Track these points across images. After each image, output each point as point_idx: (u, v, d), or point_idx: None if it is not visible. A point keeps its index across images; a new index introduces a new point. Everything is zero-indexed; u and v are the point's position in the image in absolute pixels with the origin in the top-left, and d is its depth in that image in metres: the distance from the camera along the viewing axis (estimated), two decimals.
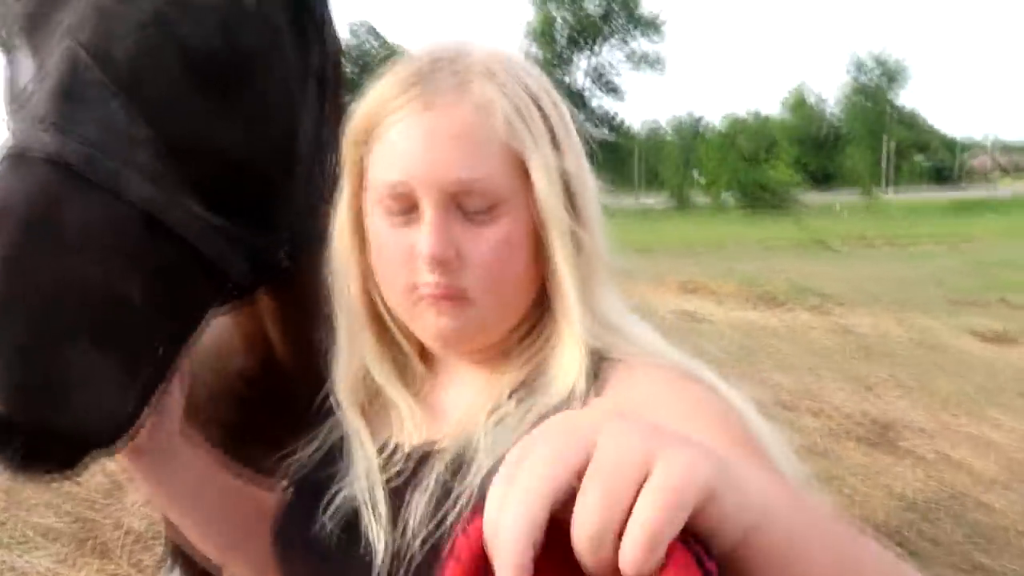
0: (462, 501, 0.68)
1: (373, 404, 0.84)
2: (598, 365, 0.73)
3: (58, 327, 0.65)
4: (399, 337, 0.83)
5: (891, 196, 48.64)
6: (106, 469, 3.86)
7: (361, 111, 0.76)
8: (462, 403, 0.79)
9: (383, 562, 0.72)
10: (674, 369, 0.72)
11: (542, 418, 0.68)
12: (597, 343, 0.74)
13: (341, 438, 0.84)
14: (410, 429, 0.80)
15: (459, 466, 0.71)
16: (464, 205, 0.72)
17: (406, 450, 0.78)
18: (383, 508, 0.74)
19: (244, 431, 1.51)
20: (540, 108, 0.75)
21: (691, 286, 10.35)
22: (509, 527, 0.37)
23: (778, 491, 0.48)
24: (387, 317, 0.81)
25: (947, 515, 3.48)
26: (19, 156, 0.67)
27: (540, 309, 0.79)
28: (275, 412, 1.48)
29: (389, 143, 0.73)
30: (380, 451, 0.79)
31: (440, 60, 0.75)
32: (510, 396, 0.74)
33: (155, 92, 0.75)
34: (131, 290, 0.71)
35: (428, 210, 0.72)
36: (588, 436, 0.39)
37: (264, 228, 0.89)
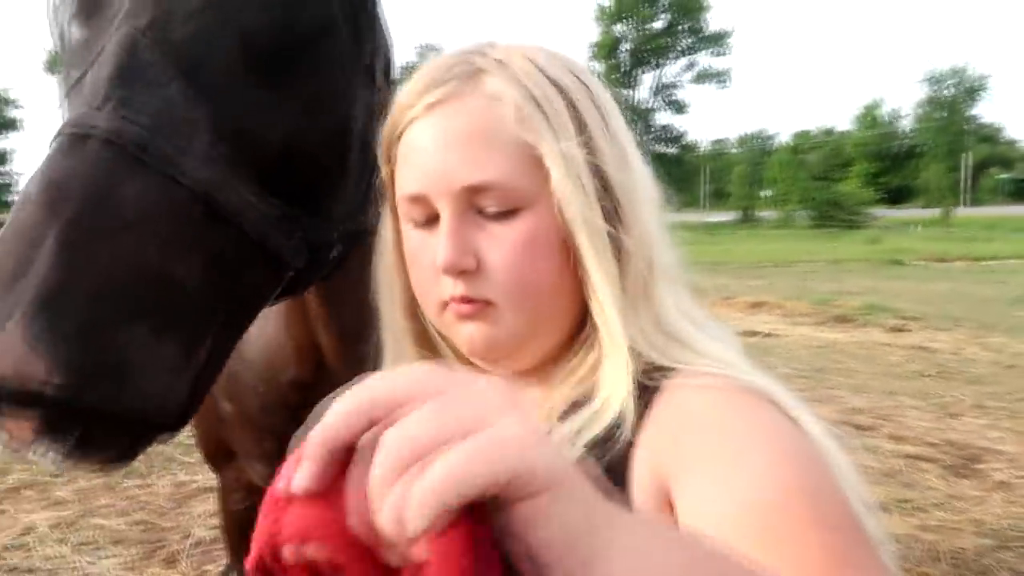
0: None
1: None
2: (652, 377, 0.66)
3: (116, 309, 0.64)
4: (447, 356, 0.79)
5: (969, 212, 46.63)
6: (176, 479, 3.96)
7: (385, 124, 0.73)
8: None
9: None
10: (735, 382, 0.64)
11: (591, 448, 0.63)
12: (652, 353, 0.67)
13: None
14: None
15: None
16: (482, 207, 0.67)
17: None
18: None
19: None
20: (565, 96, 0.69)
21: (761, 304, 10.08)
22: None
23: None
24: (434, 335, 0.78)
25: None
26: (76, 136, 0.67)
27: (590, 320, 0.72)
28: None
29: (404, 153, 0.70)
30: None
31: (455, 58, 0.71)
32: (560, 419, 0.67)
33: (212, 76, 0.74)
34: (188, 274, 0.70)
35: (444, 217, 0.68)
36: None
37: (318, 217, 0.88)
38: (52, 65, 50.05)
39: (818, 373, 6.42)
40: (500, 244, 0.67)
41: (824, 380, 6.17)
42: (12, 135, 57.71)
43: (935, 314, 9.56)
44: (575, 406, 0.68)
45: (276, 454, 1.52)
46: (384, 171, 0.74)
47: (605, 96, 0.72)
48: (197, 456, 3.45)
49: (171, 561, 3.11)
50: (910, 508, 3.62)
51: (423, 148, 0.68)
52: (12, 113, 53.96)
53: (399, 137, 0.70)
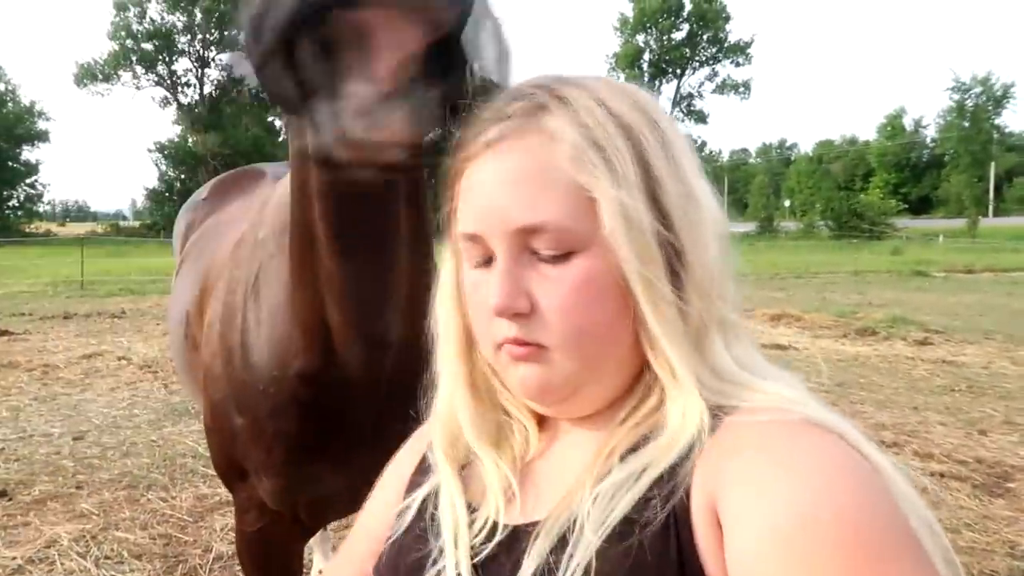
0: (568, 573, 0.60)
1: (467, 468, 0.78)
2: (714, 416, 0.64)
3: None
4: (504, 398, 0.77)
5: (995, 222, 45.94)
6: (198, 492, 3.97)
7: (451, 158, 0.72)
8: (569, 473, 0.69)
9: None
10: (798, 414, 0.61)
11: (655, 484, 0.62)
12: (714, 398, 0.65)
13: (435, 506, 0.77)
14: (498, 500, 0.72)
15: (563, 543, 0.62)
16: (537, 248, 0.65)
17: (499, 524, 0.70)
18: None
19: (308, 445, 1.50)
20: (630, 135, 0.65)
21: (781, 317, 9.98)
22: None
23: None
24: (489, 377, 0.76)
25: None
26: None
27: (649, 367, 0.70)
28: (338, 418, 1.47)
29: (464, 190, 0.69)
30: (472, 521, 0.71)
31: (519, 93, 0.69)
32: (622, 459, 0.65)
33: None
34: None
35: (498, 258, 0.67)
36: None
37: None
38: (81, 79, 51.01)
39: (841, 388, 6.33)
40: (554, 288, 0.65)
41: (847, 395, 6.09)
42: (42, 146, 58.66)
43: (961, 327, 9.40)
44: (636, 447, 0.66)
45: (283, 465, 1.52)
46: (447, 206, 0.73)
47: (673, 132, 0.69)
48: None
49: (192, 575, 3.11)
50: (944, 530, 3.54)
51: (480, 187, 0.67)
52: (41, 125, 54.87)
53: (460, 173, 0.70)
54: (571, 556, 0.60)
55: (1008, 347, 8.10)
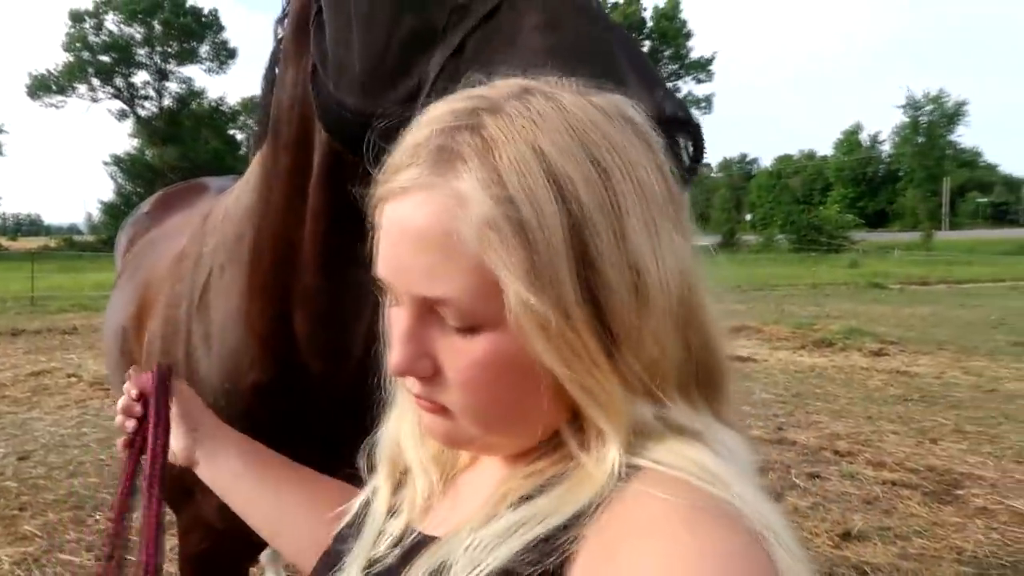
0: None
1: (406, 478, 0.76)
2: (620, 476, 0.57)
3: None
4: None
5: (949, 236, 47.25)
6: None
7: (373, 189, 0.64)
8: (480, 495, 0.65)
9: None
10: (702, 494, 0.53)
11: (526, 548, 0.55)
12: (628, 453, 0.57)
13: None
14: (417, 505, 0.70)
15: (440, 570, 0.59)
16: (441, 314, 0.59)
17: (411, 529, 0.69)
18: None
19: None
20: (567, 203, 0.53)
21: (740, 329, 10.11)
22: None
23: None
24: None
25: (1017, 574, 3.23)
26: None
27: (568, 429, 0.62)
28: (292, 431, 1.45)
29: (379, 229, 0.62)
30: (402, 534, 0.70)
31: (442, 124, 0.58)
32: (513, 507, 0.60)
33: None
34: None
35: (404, 313, 0.61)
36: None
37: None
38: (34, 90, 49.89)
39: (797, 398, 6.42)
40: (458, 358, 0.59)
41: (804, 405, 6.18)
42: None
43: (916, 338, 9.63)
44: (530, 498, 0.60)
45: None
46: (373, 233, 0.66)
47: (629, 182, 0.55)
48: None
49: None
50: (891, 536, 3.60)
51: (387, 237, 0.60)
52: None
53: (377, 208, 0.62)
54: None
55: (960, 357, 8.32)
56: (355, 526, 0.75)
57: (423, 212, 0.56)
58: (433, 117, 0.59)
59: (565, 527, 0.55)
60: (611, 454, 0.57)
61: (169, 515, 3.86)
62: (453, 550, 0.59)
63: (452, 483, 0.73)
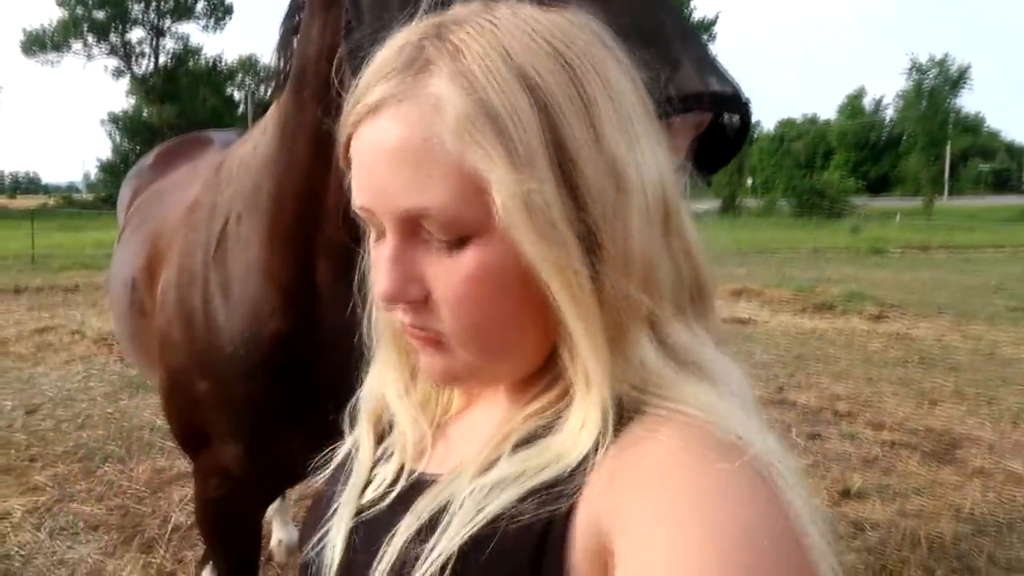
0: (421, 567, 0.55)
1: (394, 428, 0.75)
2: (621, 419, 0.56)
3: None
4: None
5: (951, 202, 47.08)
6: (155, 465, 3.92)
7: (341, 123, 0.62)
8: (477, 437, 0.65)
9: None
10: (712, 436, 0.52)
11: (530, 494, 0.55)
12: (629, 396, 0.56)
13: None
14: (409, 449, 0.69)
15: (438, 517, 0.59)
16: (428, 232, 0.57)
17: (406, 468, 0.68)
18: (341, 537, 0.66)
19: (277, 408, 1.48)
20: (538, 99, 0.53)
21: (742, 292, 10.13)
22: None
23: None
24: None
25: (1013, 533, 3.29)
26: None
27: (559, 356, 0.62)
28: (309, 379, 1.46)
29: (353, 159, 0.60)
30: (396, 477, 0.69)
31: (406, 42, 0.58)
32: (513, 450, 0.59)
33: None
34: None
35: (388, 238, 0.59)
36: None
37: None
38: (29, 46, 49.13)
39: (798, 360, 6.46)
40: (447, 277, 0.57)
41: (804, 367, 6.22)
42: None
43: (916, 302, 9.64)
44: (531, 438, 0.60)
45: (251, 429, 1.50)
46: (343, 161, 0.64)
47: (598, 83, 0.56)
48: None
49: (149, 547, 3.07)
50: (890, 494, 3.66)
51: (363, 159, 0.58)
52: None
53: (349, 139, 0.60)
54: (433, 547, 0.56)
55: (960, 322, 8.34)
56: (343, 473, 0.74)
57: (398, 124, 0.55)
58: (398, 37, 0.59)
59: (570, 474, 0.55)
60: (597, 404, 0.56)
61: (173, 467, 3.92)
62: (456, 491, 0.59)
63: (442, 430, 0.72)
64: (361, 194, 0.59)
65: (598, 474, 0.54)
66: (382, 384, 0.75)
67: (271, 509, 3.02)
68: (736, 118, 0.87)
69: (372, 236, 0.63)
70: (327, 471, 0.78)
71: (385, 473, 0.69)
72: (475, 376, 0.63)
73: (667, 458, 0.52)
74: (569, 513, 0.53)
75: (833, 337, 7.58)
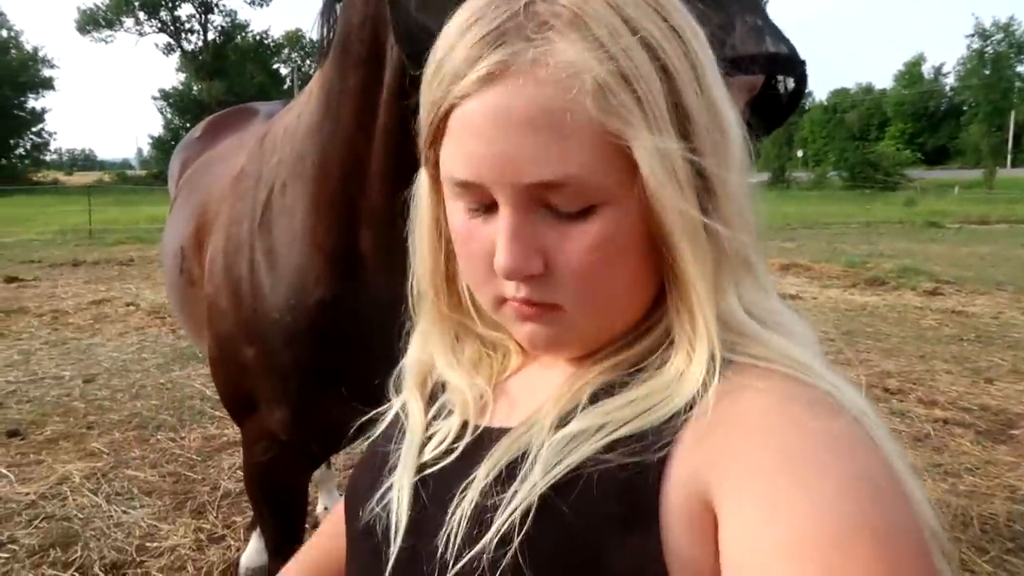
0: (503, 514, 0.55)
1: (446, 391, 0.75)
2: (717, 376, 0.57)
3: None
4: (481, 328, 0.73)
5: (1013, 173, 45.28)
6: (206, 433, 4.03)
7: (427, 78, 0.60)
8: (541, 391, 0.65)
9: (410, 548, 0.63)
10: (806, 386, 0.54)
11: (617, 444, 0.55)
12: (720, 348, 0.58)
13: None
14: (471, 407, 0.69)
15: (515, 466, 0.59)
16: (551, 203, 0.56)
17: (469, 423, 0.68)
18: (407, 494, 0.65)
19: (324, 373, 1.50)
20: (657, 59, 0.54)
21: (790, 266, 9.93)
22: None
23: None
24: (472, 311, 0.72)
25: None
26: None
27: (653, 304, 0.63)
28: (354, 345, 1.47)
29: (454, 130, 0.57)
30: (460, 433, 0.68)
31: (517, 2, 0.55)
32: (590, 402, 0.60)
33: None
34: None
35: (504, 212, 0.57)
36: None
37: None
38: (84, 24, 50.30)
39: (847, 336, 6.31)
40: (573, 246, 0.57)
41: (854, 343, 6.07)
42: (47, 94, 58.24)
43: (972, 278, 9.33)
44: (612, 390, 0.60)
45: (297, 394, 1.52)
46: (427, 137, 0.61)
47: (695, 38, 0.58)
48: None
49: (200, 512, 3.17)
50: (941, 472, 3.56)
51: (477, 131, 0.55)
52: (46, 72, 54.37)
53: (449, 109, 0.57)
54: (514, 494, 0.56)
55: (1019, 298, 8.05)
56: (396, 433, 0.74)
57: (528, 93, 0.53)
58: (484, 5, 0.57)
59: (661, 425, 0.55)
60: (703, 353, 0.57)
61: (224, 435, 4.03)
62: (534, 439, 0.59)
63: (502, 388, 0.72)
64: (471, 168, 0.57)
65: (694, 425, 0.54)
66: (426, 351, 0.75)
67: (316, 475, 3.08)
68: (791, 81, 0.84)
69: (460, 209, 0.61)
70: (375, 433, 0.78)
71: (447, 430, 0.68)
72: (581, 340, 0.63)
73: (773, 410, 0.52)
74: (662, 464, 0.54)
75: (884, 313, 7.38)
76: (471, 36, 0.56)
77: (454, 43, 0.57)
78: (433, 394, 0.75)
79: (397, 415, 0.77)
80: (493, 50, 0.54)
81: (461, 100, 0.56)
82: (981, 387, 4.92)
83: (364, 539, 0.69)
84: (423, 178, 0.68)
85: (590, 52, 0.53)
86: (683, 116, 0.55)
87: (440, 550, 0.58)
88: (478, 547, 0.55)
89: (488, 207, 0.59)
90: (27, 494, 3.27)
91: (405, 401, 0.76)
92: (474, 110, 0.55)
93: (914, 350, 5.88)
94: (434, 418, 0.72)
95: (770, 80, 0.83)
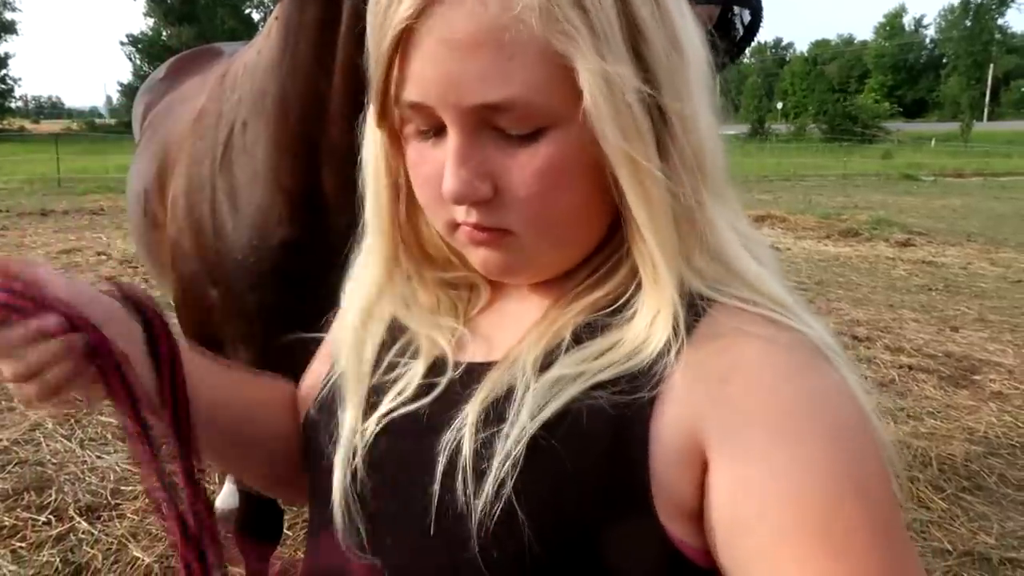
0: (497, 457, 0.55)
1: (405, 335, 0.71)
2: (696, 311, 0.57)
3: None
4: (442, 266, 0.71)
5: (990, 126, 45.57)
6: None
7: (371, 5, 0.58)
8: (518, 325, 0.64)
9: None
10: (791, 332, 0.55)
11: (603, 386, 0.55)
12: (697, 282, 0.57)
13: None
14: (444, 345, 0.66)
15: (499, 405, 0.58)
16: (499, 125, 0.55)
17: (459, 363, 0.65)
18: (372, 429, 0.64)
19: (289, 313, 1.50)
20: None
21: (765, 218, 9.99)
22: None
23: None
24: (430, 243, 0.70)
25: None
26: None
27: (620, 232, 0.61)
28: (318, 285, 1.47)
29: (403, 51, 0.55)
30: (429, 371, 0.66)
31: None
32: (574, 339, 0.59)
33: None
34: None
35: (451, 135, 0.56)
36: None
37: None
38: None
39: (819, 286, 6.41)
40: (520, 170, 0.56)
41: (825, 292, 6.17)
42: (10, 39, 56.24)
43: (945, 229, 9.47)
44: (593, 325, 0.60)
45: (262, 337, 1.52)
46: (378, 67, 0.58)
47: None
48: None
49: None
50: (903, 416, 3.67)
51: (423, 54, 0.54)
52: (8, 16, 52.42)
53: (390, 24, 0.55)
54: (506, 436, 0.55)
55: (988, 248, 8.20)
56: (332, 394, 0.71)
57: (470, 10, 0.52)
58: None
59: (646, 367, 0.55)
60: (669, 297, 0.57)
61: None
62: (518, 377, 0.58)
63: (473, 324, 0.69)
64: (421, 87, 0.55)
65: (682, 368, 0.54)
66: (374, 297, 0.72)
67: None
68: (747, 14, 0.84)
69: (409, 129, 0.60)
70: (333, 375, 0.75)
71: (412, 374, 0.66)
72: (534, 267, 0.62)
73: (766, 362, 0.54)
74: (652, 404, 0.54)
75: (857, 264, 7.49)
76: None
77: None
78: (393, 330, 0.72)
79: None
80: None
81: (407, 22, 0.54)
82: (947, 335, 5.03)
83: (318, 456, 0.69)
84: (371, 117, 0.64)
85: None
86: (638, 37, 0.53)
87: (435, 495, 0.57)
88: (481, 493, 0.55)
89: (438, 131, 0.58)
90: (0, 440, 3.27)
91: (356, 342, 0.72)
92: (419, 31, 0.54)
93: (883, 299, 5.98)
94: (392, 363, 0.69)
95: (726, 13, 0.83)
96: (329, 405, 0.71)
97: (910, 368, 4.34)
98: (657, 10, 0.55)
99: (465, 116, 0.55)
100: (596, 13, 0.51)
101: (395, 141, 0.64)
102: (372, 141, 0.67)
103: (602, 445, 0.54)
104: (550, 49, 0.52)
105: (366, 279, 0.74)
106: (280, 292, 1.48)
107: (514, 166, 0.56)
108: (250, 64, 1.52)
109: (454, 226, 0.61)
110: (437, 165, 0.58)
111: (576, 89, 0.52)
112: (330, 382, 0.74)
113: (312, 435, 0.73)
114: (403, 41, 0.55)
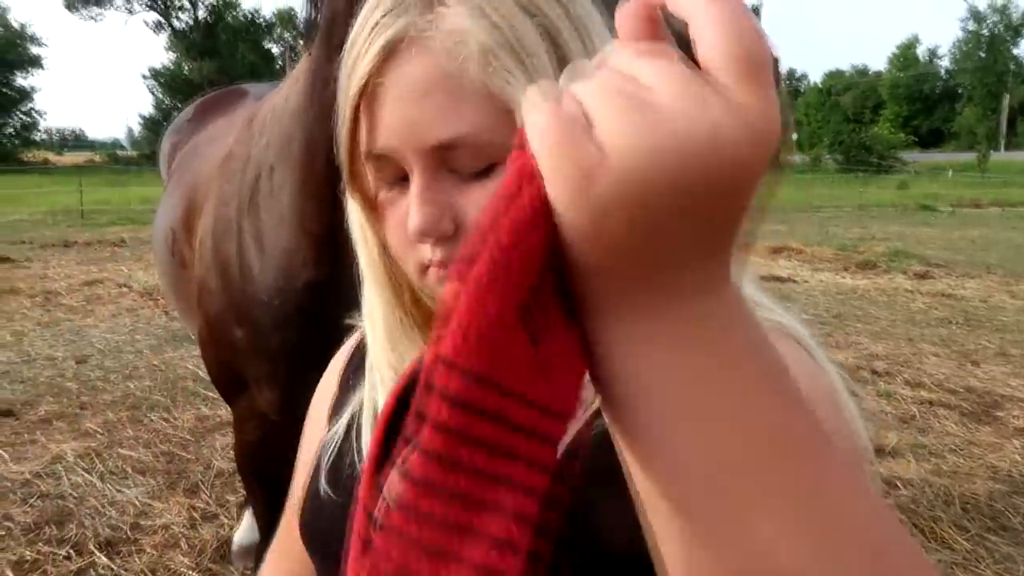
0: None
1: None
2: None
3: None
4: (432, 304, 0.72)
5: (1006, 156, 45.32)
6: (198, 413, 4.05)
7: (346, 62, 0.62)
8: None
9: None
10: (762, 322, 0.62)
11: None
12: None
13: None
14: None
15: None
16: (455, 166, 0.60)
17: None
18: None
19: (312, 354, 1.52)
20: (537, 18, 0.58)
21: (782, 249, 9.96)
22: None
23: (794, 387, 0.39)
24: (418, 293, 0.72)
25: None
26: None
27: None
28: (342, 326, 1.50)
29: (367, 106, 0.61)
30: None
31: None
32: None
33: None
34: None
35: (415, 177, 0.61)
36: None
37: None
38: (72, 1, 49.71)
39: (837, 319, 6.36)
40: (475, 205, 0.60)
41: (844, 326, 6.13)
42: (36, 73, 57.59)
43: (963, 261, 9.39)
44: None
45: (286, 377, 1.54)
46: (341, 115, 0.64)
47: (579, 2, 0.62)
48: None
49: (193, 491, 3.20)
50: (925, 453, 3.62)
51: (389, 99, 0.59)
52: (34, 50, 53.74)
53: (355, 80, 0.61)
54: None
55: (1008, 281, 8.11)
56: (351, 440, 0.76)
57: (422, 60, 0.58)
58: None
59: None
60: None
61: (217, 416, 4.03)
62: None
63: None
64: (384, 135, 0.60)
65: None
66: (384, 344, 0.75)
67: None
68: None
69: (380, 186, 0.64)
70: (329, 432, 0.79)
71: None
72: None
73: None
74: None
75: (875, 296, 7.44)
76: (373, 17, 0.61)
77: (360, 27, 0.62)
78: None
79: (351, 419, 0.77)
80: (387, 27, 0.59)
81: (367, 78, 0.60)
82: (967, 369, 4.97)
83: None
84: (345, 184, 0.69)
85: (473, 20, 0.57)
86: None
87: None
88: None
89: (401, 180, 0.63)
90: (21, 473, 3.30)
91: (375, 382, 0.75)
92: (380, 83, 0.60)
93: (903, 333, 5.93)
94: None
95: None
96: (345, 481, 0.73)
97: (931, 403, 4.29)
98: (580, 39, 0.60)
99: (426, 157, 0.59)
100: (529, 60, 0.58)
101: (371, 206, 0.68)
102: (352, 208, 0.72)
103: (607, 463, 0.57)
104: (492, 92, 0.57)
105: (382, 339, 0.75)
106: (304, 332, 1.50)
107: (470, 202, 0.60)
108: (278, 109, 1.56)
109: (424, 268, 0.64)
110: (405, 209, 0.62)
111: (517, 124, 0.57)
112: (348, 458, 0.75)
113: (326, 524, 0.73)
114: (366, 96, 0.61)
